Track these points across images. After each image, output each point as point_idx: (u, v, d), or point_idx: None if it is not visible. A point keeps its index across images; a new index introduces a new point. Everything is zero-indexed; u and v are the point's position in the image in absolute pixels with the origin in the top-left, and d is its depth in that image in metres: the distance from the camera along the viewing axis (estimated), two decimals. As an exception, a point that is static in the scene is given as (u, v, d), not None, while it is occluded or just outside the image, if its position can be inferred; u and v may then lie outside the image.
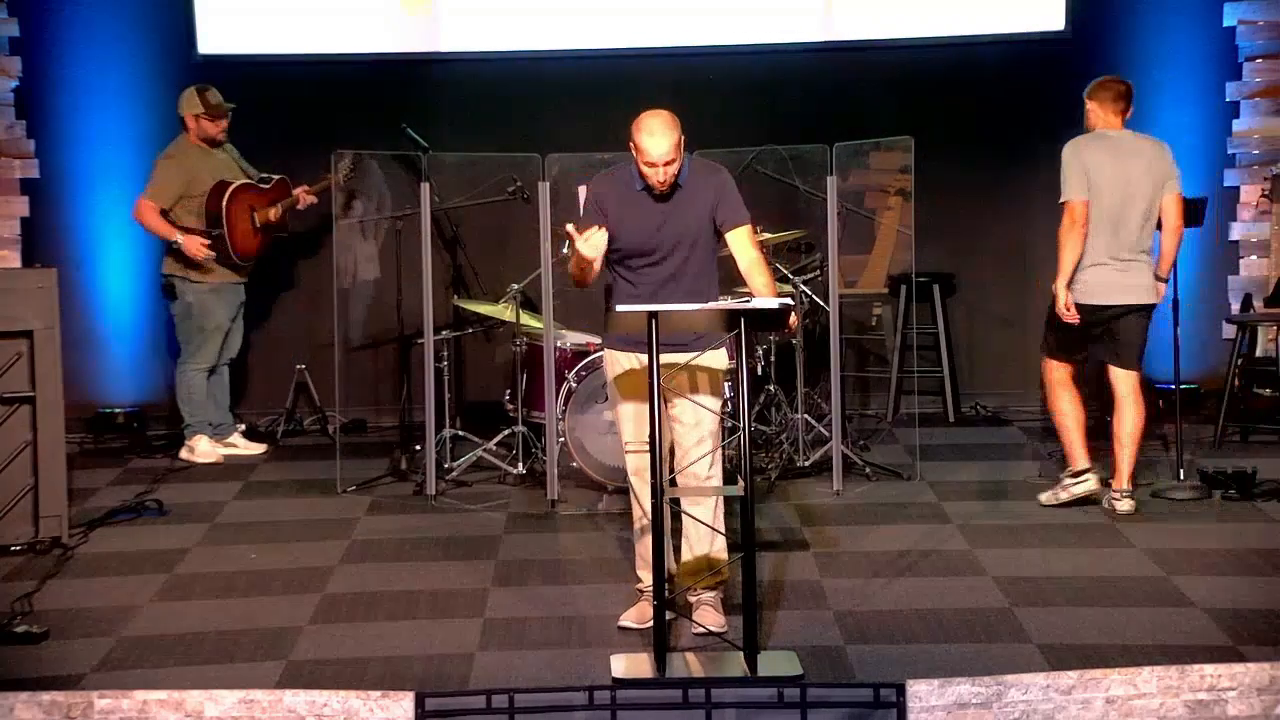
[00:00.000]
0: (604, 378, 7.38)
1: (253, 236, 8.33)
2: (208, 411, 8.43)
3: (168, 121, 8.49)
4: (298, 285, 9.33)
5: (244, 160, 8.51)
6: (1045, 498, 7.12)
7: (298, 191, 8.48)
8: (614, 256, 5.45)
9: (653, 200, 5.40)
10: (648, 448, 5.21)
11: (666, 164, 5.30)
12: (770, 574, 6.10)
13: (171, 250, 8.26)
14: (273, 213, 8.36)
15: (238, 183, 8.27)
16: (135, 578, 6.26)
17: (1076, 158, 7.09)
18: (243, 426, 8.75)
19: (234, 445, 8.53)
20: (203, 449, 8.32)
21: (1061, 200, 7.08)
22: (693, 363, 5.36)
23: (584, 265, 5.36)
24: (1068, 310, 6.96)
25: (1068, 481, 7.09)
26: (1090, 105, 7.20)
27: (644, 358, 5.16)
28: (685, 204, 5.40)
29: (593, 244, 5.27)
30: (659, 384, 5.08)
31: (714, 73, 8.94)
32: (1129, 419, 7.00)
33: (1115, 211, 7.03)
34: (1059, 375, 7.15)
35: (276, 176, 8.49)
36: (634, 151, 5.36)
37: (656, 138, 5.27)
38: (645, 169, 5.33)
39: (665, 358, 5.16)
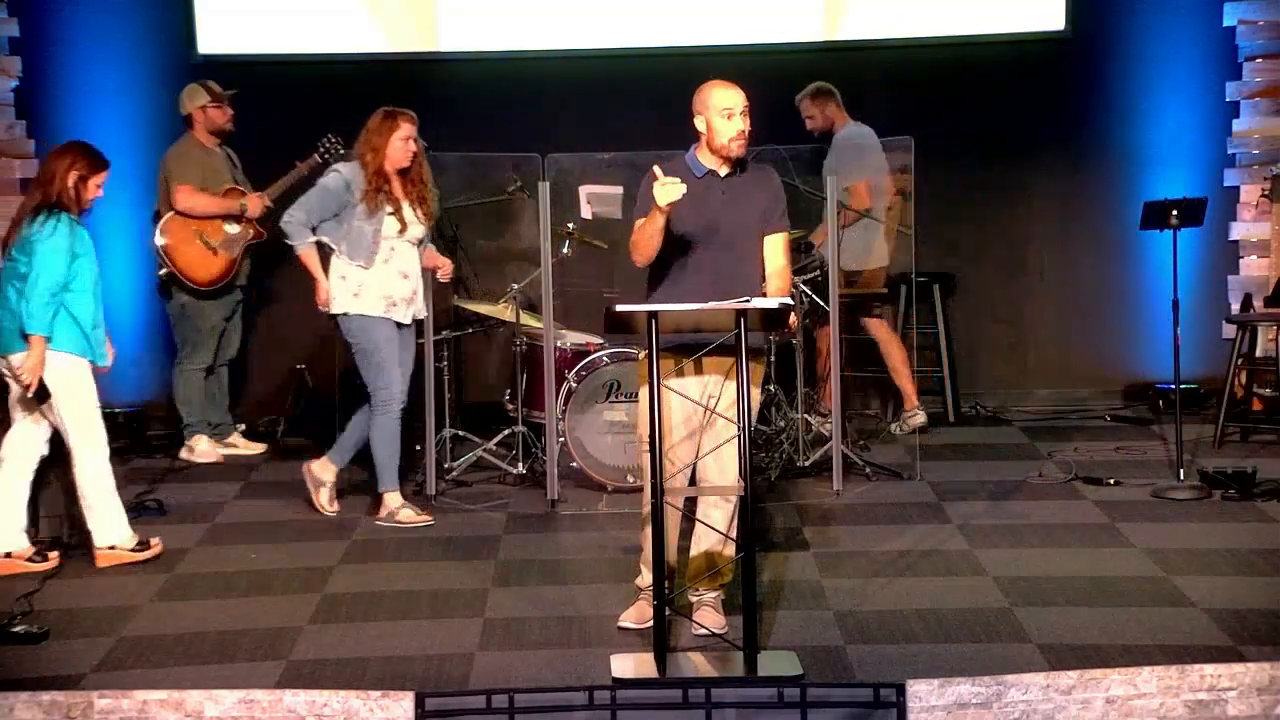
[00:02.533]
0: (605, 378, 7.44)
1: (212, 259, 8.24)
2: (206, 411, 8.42)
3: (168, 121, 8.49)
4: (298, 285, 9.30)
5: (239, 170, 8.47)
6: (895, 428, 8.57)
7: (247, 198, 8.29)
8: (671, 248, 5.41)
9: (717, 185, 5.43)
10: (672, 444, 5.26)
11: (744, 113, 5.39)
12: (770, 574, 6.10)
13: (164, 252, 8.22)
14: (216, 232, 8.24)
15: (166, 216, 8.20)
16: (135, 578, 6.26)
17: (868, 146, 8.36)
18: (242, 426, 8.75)
19: (234, 445, 8.53)
20: (202, 449, 8.32)
21: (851, 184, 8.22)
22: (733, 360, 5.35)
23: (649, 235, 5.28)
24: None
25: (907, 416, 8.57)
26: (831, 108, 8.53)
27: (679, 355, 5.26)
28: (744, 193, 5.46)
29: (669, 190, 5.15)
30: (658, 383, 5.08)
31: (714, 73, 8.92)
32: (896, 353, 8.57)
33: (881, 189, 8.36)
34: (887, 332, 8.62)
35: (226, 186, 8.34)
36: (706, 114, 5.39)
37: (732, 90, 5.42)
38: (721, 124, 5.37)
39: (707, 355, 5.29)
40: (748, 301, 5.13)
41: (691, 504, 5.52)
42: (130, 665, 5.28)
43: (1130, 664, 5.00)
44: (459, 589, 6.06)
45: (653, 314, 5.05)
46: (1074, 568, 6.14)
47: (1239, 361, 8.38)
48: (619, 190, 7.26)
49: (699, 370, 5.39)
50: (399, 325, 7.01)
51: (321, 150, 8.14)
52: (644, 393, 5.41)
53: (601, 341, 7.67)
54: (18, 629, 5.54)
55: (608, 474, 7.45)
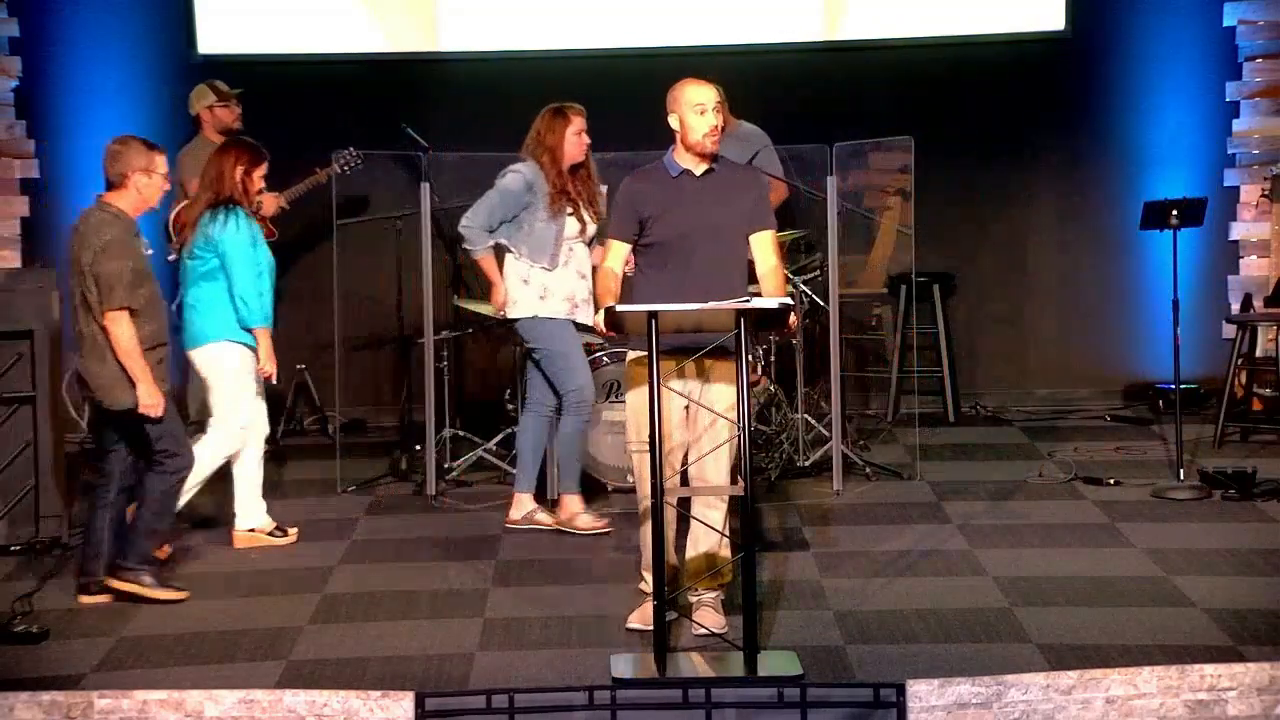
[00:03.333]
0: (605, 378, 7.43)
1: None
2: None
3: (168, 121, 8.50)
4: (298, 285, 9.31)
5: None
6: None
7: (264, 196, 8.32)
8: (652, 251, 5.42)
9: (693, 184, 5.43)
10: (665, 445, 5.23)
11: (716, 108, 5.39)
12: (770, 574, 6.10)
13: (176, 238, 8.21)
14: None
15: (179, 205, 8.20)
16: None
17: (769, 144, 8.09)
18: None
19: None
20: None
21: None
22: (721, 361, 5.34)
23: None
24: None
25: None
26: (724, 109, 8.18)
27: (676, 357, 5.24)
28: (725, 191, 5.44)
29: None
30: (659, 384, 5.07)
31: (714, 73, 8.92)
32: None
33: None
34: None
35: None
36: (679, 111, 5.39)
37: (703, 86, 5.43)
38: (694, 119, 5.36)
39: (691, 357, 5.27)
40: (748, 301, 5.13)
41: (685, 502, 5.51)
42: (130, 665, 5.28)
43: (1130, 664, 5.00)
44: (459, 589, 6.05)
45: (653, 314, 5.05)
46: (1074, 568, 6.14)
47: (1239, 361, 8.38)
48: (603, 188, 7.26)
49: (681, 373, 5.36)
50: (579, 326, 6.89)
51: (340, 162, 8.14)
52: (632, 395, 5.43)
53: (602, 341, 7.66)
54: (18, 629, 5.54)
55: (608, 474, 7.45)
